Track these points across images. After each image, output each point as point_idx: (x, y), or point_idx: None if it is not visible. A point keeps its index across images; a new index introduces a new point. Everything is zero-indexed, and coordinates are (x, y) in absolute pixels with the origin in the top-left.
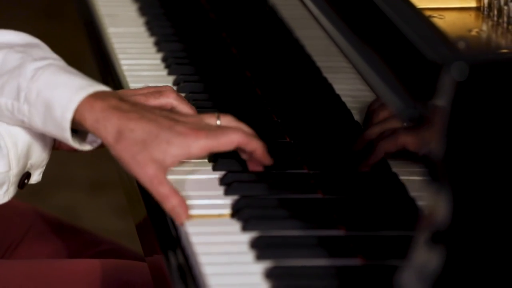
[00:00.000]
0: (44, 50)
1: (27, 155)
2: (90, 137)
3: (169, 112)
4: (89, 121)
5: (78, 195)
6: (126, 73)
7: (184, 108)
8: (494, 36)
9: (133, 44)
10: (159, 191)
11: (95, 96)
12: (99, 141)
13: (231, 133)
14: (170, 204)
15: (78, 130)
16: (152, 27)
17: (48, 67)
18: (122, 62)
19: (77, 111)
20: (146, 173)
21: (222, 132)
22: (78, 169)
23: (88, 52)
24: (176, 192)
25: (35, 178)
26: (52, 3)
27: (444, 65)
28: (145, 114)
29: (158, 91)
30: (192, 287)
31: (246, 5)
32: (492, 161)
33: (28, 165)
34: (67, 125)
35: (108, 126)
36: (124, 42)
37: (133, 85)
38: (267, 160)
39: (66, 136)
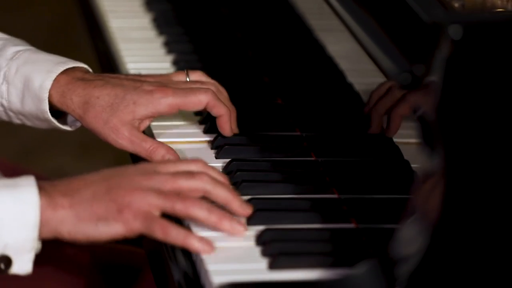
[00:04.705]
0: (24, 42)
1: None
2: (69, 118)
3: (136, 75)
4: (55, 97)
5: (67, 157)
6: (116, 35)
7: (220, 192)
8: None
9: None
10: (144, 147)
11: (72, 70)
12: (78, 124)
13: (200, 93)
14: (159, 154)
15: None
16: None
17: (28, 50)
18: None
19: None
20: (123, 137)
21: (191, 91)
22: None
23: (85, 39)
24: (160, 142)
25: (22, 266)
26: None
27: (440, 26)
28: (110, 80)
29: (189, 172)
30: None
31: None
32: (488, 122)
33: (1, 245)
34: (45, 95)
35: (74, 98)
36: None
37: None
38: (227, 130)
39: (43, 108)
